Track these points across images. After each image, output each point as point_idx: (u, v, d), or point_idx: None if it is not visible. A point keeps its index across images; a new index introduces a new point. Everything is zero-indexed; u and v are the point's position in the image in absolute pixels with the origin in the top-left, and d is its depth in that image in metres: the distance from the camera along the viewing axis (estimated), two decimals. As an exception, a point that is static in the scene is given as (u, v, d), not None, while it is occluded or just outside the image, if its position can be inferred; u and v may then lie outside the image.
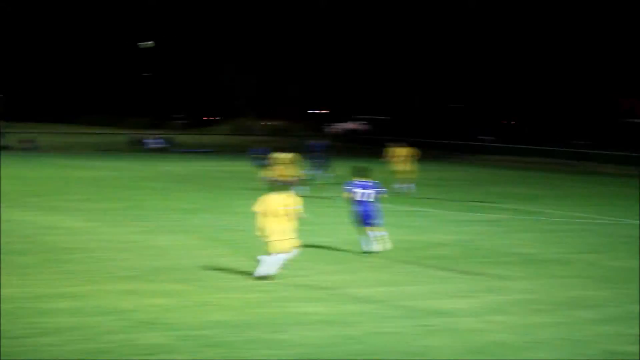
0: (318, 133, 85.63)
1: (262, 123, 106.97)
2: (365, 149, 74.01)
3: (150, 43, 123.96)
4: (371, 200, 23.16)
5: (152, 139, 75.10)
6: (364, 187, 23.34)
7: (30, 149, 66.06)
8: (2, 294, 17.04)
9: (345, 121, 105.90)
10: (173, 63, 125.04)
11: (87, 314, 15.94)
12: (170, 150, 72.29)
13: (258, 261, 19.41)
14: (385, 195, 24.49)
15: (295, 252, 19.59)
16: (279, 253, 19.20)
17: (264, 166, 39.98)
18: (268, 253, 19.20)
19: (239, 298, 17.56)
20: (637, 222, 30.93)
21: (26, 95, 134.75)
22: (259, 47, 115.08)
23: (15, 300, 16.68)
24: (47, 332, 14.56)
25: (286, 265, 19.60)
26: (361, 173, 23.70)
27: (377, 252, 22.67)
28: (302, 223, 20.29)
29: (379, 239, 22.91)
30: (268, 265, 19.21)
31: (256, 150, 42.99)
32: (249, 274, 19.56)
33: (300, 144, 47.89)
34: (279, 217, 19.19)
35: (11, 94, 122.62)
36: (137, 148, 72.55)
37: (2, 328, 14.58)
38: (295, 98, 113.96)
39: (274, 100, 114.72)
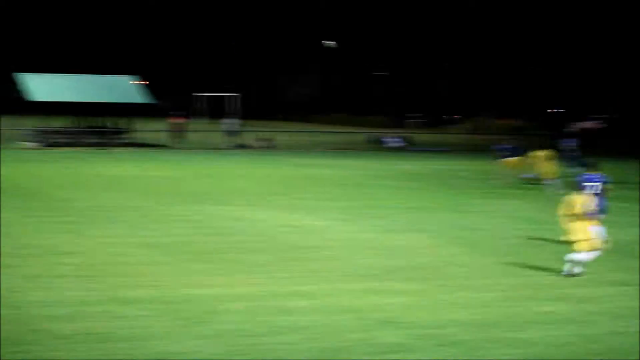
0: (560, 131, 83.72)
1: (498, 122, 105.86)
2: (607, 146, 71.77)
3: (332, 43, 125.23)
4: (599, 193, 22.84)
5: (391, 138, 75.31)
6: (594, 180, 23.27)
7: (268, 147, 67.45)
8: (239, 292, 17.27)
9: (582, 120, 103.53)
10: (399, 63, 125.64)
11: (324, 312, 15.96)
12: (407, 149, 72.28)
13: (566, 261, 19.38)
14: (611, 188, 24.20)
15: (595, 253, 19.42)
16: (583, 252, 19.20)
17: (510, 162, 39.41)
18: (573, 252, 19.23)
19: (476, 297, 17.27)
20: None
21: (262, 94, 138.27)
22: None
23: (253, 298, 16.86)
24: (284, 331, 14.63)
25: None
26: (591, 166, 23.96)
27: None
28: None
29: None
30: (577, 263, 19.23)
31: (502, 146, 42.27)
32: (484, 273, 19.21)
33: (544, 142, 46.74)
34: (581, 218, 19.29)
35: (248, 92, 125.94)
36: (375, 147, 72.87)
37: (242, 327, 14.72)
38: (530, 97, 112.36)
39: (508, 99, 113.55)
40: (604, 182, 23.50)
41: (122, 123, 69.27)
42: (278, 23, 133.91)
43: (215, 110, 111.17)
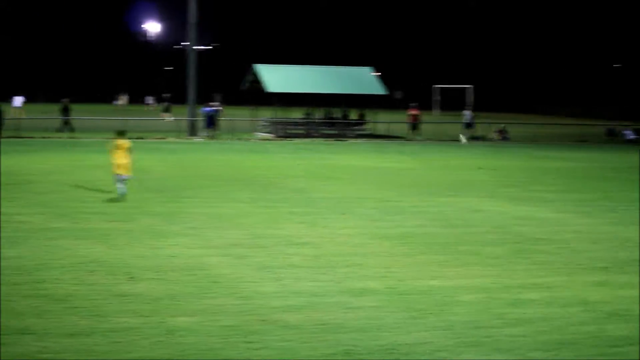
0: None
1: None
2: None
3: None
4: None
5: (631, 130, 73.06)
6: None
7: (503, 139, 66.80)
8: (472, 284, 17.18)
9: None
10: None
11: (557, 305, 15.72)
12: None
13: None
14: None
15: None
16: None
17: None
18: None
19: None
20: None
21: (495, 86, 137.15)
22: None
23: (488, 290, 16.74)
24: (516, 323, 14.47)
25: None
26: None
27: None
28: None
29: None
30: None
31: None
32: None
33: None
34: None
35: (482, 85, 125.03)
36: (613, 139, 70.95)
37: (474, 318, 14.64)
38: None
39: None
40: None
41: (358, 114, 70.06)
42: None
43: (450, 102, 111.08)
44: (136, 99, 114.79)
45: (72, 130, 60.30)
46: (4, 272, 17.12)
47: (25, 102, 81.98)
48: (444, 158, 48.94)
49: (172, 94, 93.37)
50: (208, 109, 61.61)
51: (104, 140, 52.13)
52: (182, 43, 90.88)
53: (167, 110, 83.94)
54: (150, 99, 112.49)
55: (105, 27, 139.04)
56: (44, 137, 56.99)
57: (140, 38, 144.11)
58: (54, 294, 15.54)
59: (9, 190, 29.43)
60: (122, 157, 28.56)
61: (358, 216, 25.94)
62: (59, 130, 61.10)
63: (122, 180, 28.27)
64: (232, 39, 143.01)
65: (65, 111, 64.30)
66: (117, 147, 28.84)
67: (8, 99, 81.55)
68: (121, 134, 29.55)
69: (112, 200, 27.79)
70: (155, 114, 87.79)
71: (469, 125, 67.40)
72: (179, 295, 15.77)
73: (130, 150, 29.11)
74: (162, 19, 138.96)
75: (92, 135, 57.37)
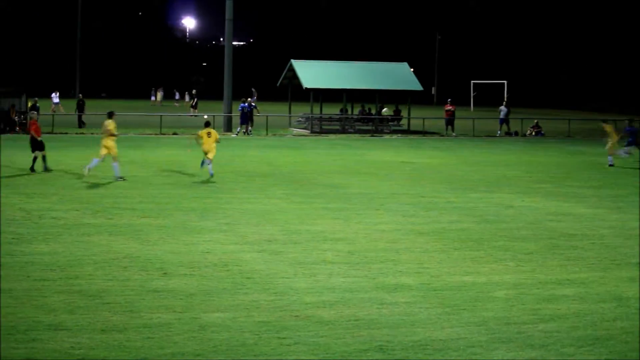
0: None
1: None
2: None
3: None
4: None
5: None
6: None
7: (537, 134, 66.52)
8: (506, 279, 17.13)
9: None
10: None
11: (590, 300, 15.68)
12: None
13: None
14: None
15: None
16: None
17: None
18: None
19: None
20: None
21: (529, 82, 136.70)
22: None
23: (521, 286, 16.68)
24: (550, 319, 14.42)
25: None
26: None
27: None
28: None
29: None
30: None
31: None
32: None
33: None
34: None
35: (516, 80, 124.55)
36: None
37: (507, 314, 14.57)
38: None
39: None
40: None
41: (393, 110, 69.97)
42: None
43: (485, 98, 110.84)
44: (173, 95, 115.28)
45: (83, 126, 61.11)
46: (38, 268, 17.25)
47: (61, 98, 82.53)
48: (479, 154, 48.73)
49: (203, 89, 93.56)
50: (244, 104, 61.75)
51: (138, 137, 52.48)
52: (219, 39, 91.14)
53: (195, 106, 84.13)
54: (179, 95, 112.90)
55: (143, 23, 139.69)
56: (77, 134, 57.33)
57: (178, 34, 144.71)
58: (87, 290, 15.63)
59: (43, 186, 29.64)
60: (210, 143, 32.89)
61: (392, 212, 25.90)
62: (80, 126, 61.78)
63: (209, 163, 32.53)
64: (269, 34, 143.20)
65: (80, 107, 64.70)
66: (204, 136, 33.07)
67: (47, 95, 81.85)
68: (208, 125, 33.68)
69: (145, 196, 27.97)
70: (188, 110, 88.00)
71: (502, 121, 67.10)
72: (212, 291, 15.82)
73: (217, 139, 33.44)
74: (199, 15, 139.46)
75: (127, 131, 57.58)
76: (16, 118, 56.64)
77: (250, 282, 16.63)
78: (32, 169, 34.12)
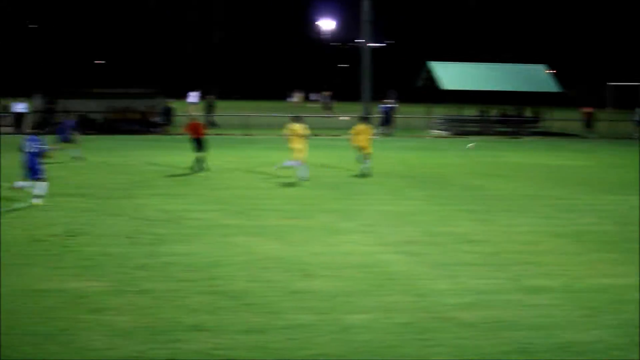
0: None
1: None
2: None
3: None
4: None
5: None
6: None
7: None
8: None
9: None
10: None
11: None
12: None
13: None
14: None
15: None
16: None
17: None
18: None
19: None
20: None
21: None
22: None
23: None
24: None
25: None
26: None
27: None
28: None
29: None
30: None
31: None
32: None
33: None
34: None
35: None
36: None
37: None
38: None
39: None
40: None
41: (532, 112, 69.09)
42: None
43: (624, 100, 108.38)
44: (310, 97, 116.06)
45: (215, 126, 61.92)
46: (178, 269, 17.53)
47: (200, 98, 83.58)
48: (616, 156, 47.79)
49: (339, 91, 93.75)
50: (384, 106, 61.67)
51: (276, 138, 52.99)
52: (356, 40, 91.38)
53: (328, 107, 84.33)
54: (314, 96, 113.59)
55: (281, 24, 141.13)
56: (217, 134, 58.15)
57: (315, 35, 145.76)
58: (228, 291, 15.80)
59: (183, 187, 30.13)
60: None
61: (531, 214, 25.59)
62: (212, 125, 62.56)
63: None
64: (407, 36, 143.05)
65: (210, 108, 65.46)
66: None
67: (183, 96, 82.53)
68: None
69: (287, 197, 28.19)
70: (331, 112, 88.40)
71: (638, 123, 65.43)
72: (354, 293, 15.85)
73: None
74: (336, 16, 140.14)
75: (265, 132, 58.22)
76: (155, 120, 57.78)
77: (392, 283, 16.61)
78: (195, 169, 35.09)
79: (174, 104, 62.02)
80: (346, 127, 62.36)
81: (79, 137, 40.61)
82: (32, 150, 25.74)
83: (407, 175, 35.60)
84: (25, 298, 14.89)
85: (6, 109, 57.36)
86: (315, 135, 52.42)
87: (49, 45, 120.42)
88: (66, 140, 39.94)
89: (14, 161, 35.96)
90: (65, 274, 16.80)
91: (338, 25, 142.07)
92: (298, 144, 32.70)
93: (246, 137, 56.69)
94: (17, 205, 25.11)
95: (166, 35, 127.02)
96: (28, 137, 26.25)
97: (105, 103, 57.74)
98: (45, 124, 55.46)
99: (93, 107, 57.84)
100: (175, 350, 12.52)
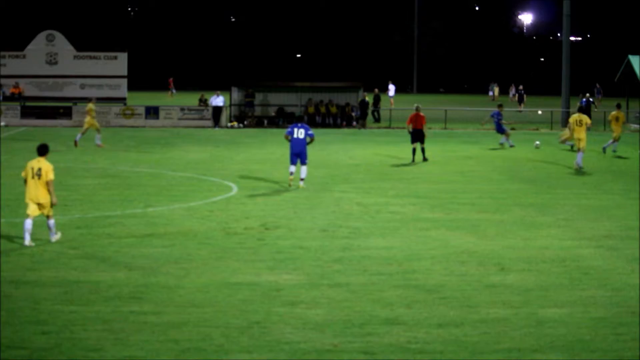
0: None
1: None
2: None
3: None
4: None
5: None
6: None
7: None
8: None
9: None
10: None
11: None
12: None
13: None
14: None
15: None
16: None
17: None
18: None
19: None
20: None
21: None
22: None
23: None
24: None
25: None
26: None
27: None
28: None
29: None
30: None
31: None
32: None
33: None
34: None
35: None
36: None
37: None
38: None
39: None
40: None
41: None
42: None
43: None
44: (508, 91, 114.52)
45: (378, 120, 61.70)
46: (375, 262, 17.68)
47: (398, 93, 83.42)
48: None
49: (532, 85, 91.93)
50: (584, 100, 60.47)
51: (475, 132, 52.65)
52: (556, 34, 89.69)
53: (520, 100, 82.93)
54: (514, 90, 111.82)
55: (480, 18, 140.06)
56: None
57: (514, 29, 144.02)
58: (424, 285, 15.88)
59: (380, 181, 30.25)
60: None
61: None
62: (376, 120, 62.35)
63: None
64: (606, 29, 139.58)
65: (376, 101, 65.11)
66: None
67: (385, 89, 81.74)
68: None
69: (483, 191, 28.05)
70: (529, 106, 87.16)
71: None
72: (549, 287, 15.72)
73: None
74: (536, 10, 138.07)
75: (465, 126, 57.95)
76: (353, 113, 58.21)
77: (587, 277, 16.39)
78: (422, 159, 35.76)
79: (370, 97, 62.28)
80: (541, 122, 61.64)
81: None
82: (301, 137, 28.22)
83: (604, 169, 34.74)
84: (221, 291, 15.33)
85: (205, 103, 58.80)
86: (512, 129, 51.84)
87: (248, 38, 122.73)
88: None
89: (206, 154, 37.10)
90: (259, 267, 17.20)
91: (538, 18, 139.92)
92: (580, 134, 33.78)
93: (445, 130, 56.44)
94: (214, 198, 25.88)
95: (369, 28, 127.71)
96: (298, 124, 28.65)
97: (305, 96, 58.48)
98: (242, 117, 56.96)
99: (293, 100, 58.71)
100: (369, 344, 12.65)
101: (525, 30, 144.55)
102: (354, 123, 57.58)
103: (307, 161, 28.66)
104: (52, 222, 19.13)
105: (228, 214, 23.18)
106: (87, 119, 41.12)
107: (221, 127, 55.25)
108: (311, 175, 30.10)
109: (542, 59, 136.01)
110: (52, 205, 18.99)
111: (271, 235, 20.29)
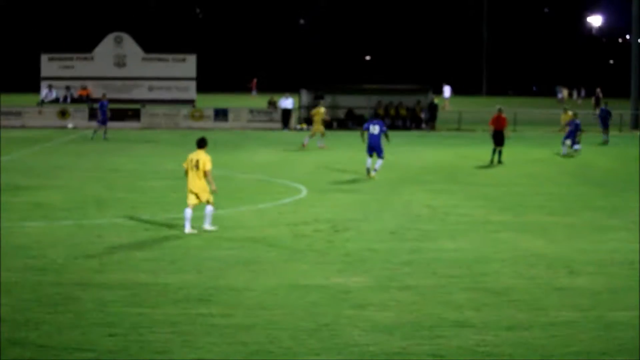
0: None
1: None
2: None
3: None
4: None
5: None
6: None
7: None
8: None
9: None
10: None
11: None
12: None
13: None
14: None
15: None
16: None
17: None
18: None
19: None
20: None
21: None
22: None
23: None
24: None
25: None
26: None
27: None
28: None
29: None
30: None
31: None
32: None
33: None
34: None
35: None
36: None
37: None
38: None
39: None
40: None
41: None
42: None
43: None
44: (589, 93, 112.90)
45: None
46: (444, 265, 17.68)
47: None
48: None
49: (604, 87, 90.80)
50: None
51: (543, 135, 52.26)
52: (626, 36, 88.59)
53: (597, 104, 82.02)
54: (584, 92, 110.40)
55: (550, 20, 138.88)
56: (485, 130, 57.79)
57: (584, 31, 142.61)
58: (493, 287, 15.87)
59: (449, 184, 30.23)
60: None
61: None
62: None
63: None
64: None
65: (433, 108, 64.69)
66: None
67: (439, 90, 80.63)
68: None
69: (552, 193, 27.92)
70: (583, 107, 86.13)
71: None
72: (618, 290, 15.66)
73: None
74: (606, 11, 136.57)
75: (534, 128, 57.55)
76: (422, 115, 58.07)
77: (657, 281, 16.27)
78: (497, 161, 35.91)
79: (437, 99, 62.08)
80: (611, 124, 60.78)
81: None
82: (376, 132, 30.69)
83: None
84: (289, 293, 15.43)
85: (274, 105, 58.99)
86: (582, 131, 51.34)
87: (317, 41, 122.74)
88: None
89: (275, 156, 37.30)
90: (328, 269, 17.26)
91: (608, 20, 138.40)
92: None
93: (514, 133, 56.01)
94: (285, 199, 26.05)
95: (438, 31, 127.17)
96: (374, 120, 31.42)
97: (374, 99, 58.40)
98: (311, 120, 57.06)
99: (362, 102, 58.69)
100: (438, 346, 12.67)
101: (594, 32, 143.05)
102: (423, 125, 57.51)
103: (383, 155, 30.94)
104: (209, 209, 20.64)
105: (297, 216, 23.29)
106: (316, 121, 43.02)
107: (290, 129, 55.44)
108: (380, 177, 30.14)
109: (611, 62, 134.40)
110: (212, 192, 20.48)
111: (340, 238, 20.36)
